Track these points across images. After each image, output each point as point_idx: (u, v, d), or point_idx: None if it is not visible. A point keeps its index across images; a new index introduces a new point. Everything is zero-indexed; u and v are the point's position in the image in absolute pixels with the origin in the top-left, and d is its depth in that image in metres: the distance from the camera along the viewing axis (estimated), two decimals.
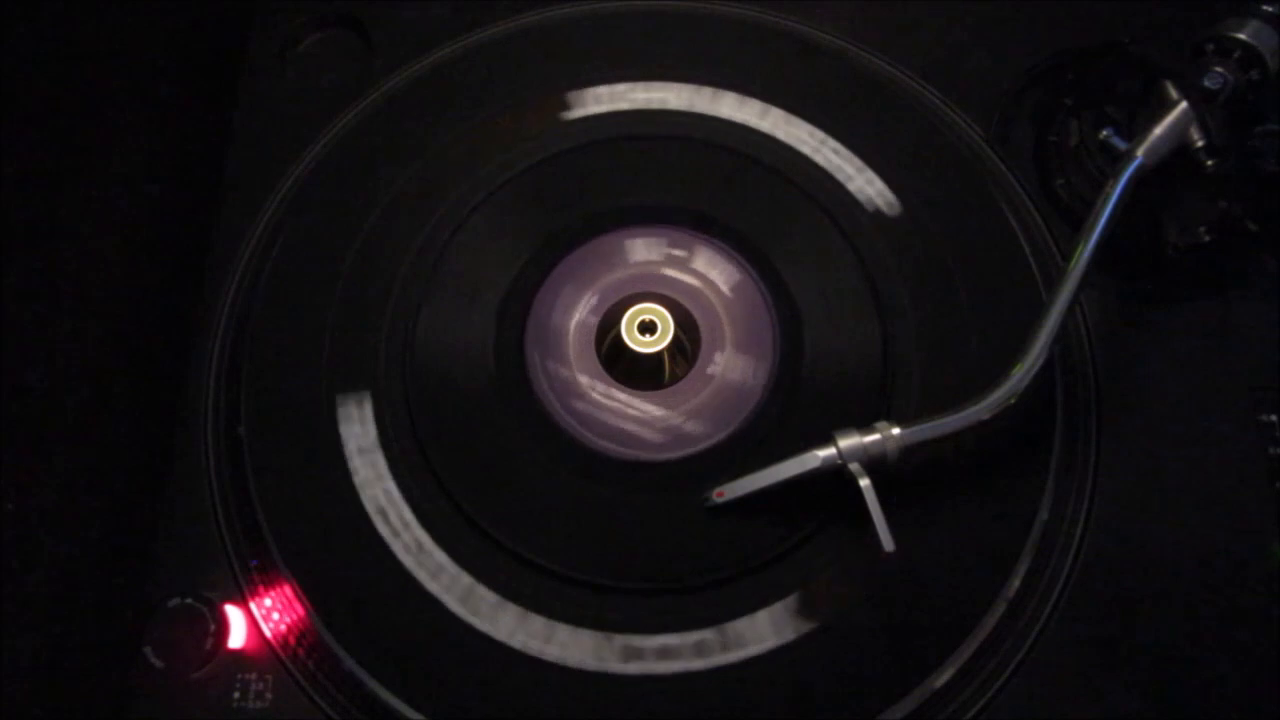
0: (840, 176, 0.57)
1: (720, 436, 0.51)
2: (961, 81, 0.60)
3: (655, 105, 0.59)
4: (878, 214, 0.56)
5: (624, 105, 0.59)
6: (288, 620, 0.49)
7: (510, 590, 0.48)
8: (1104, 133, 0.53)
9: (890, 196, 0.56)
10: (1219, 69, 0.51)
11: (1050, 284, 0.50)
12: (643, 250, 0.56)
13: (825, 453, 0.47)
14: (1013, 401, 0.46)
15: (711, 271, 0.55)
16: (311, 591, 0.48)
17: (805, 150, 0.57)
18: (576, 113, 0.59)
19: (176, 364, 0.55)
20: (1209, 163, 0.50)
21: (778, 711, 0.46)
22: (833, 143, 0.58)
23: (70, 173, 0.53)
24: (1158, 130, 0.50)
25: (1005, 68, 0.60)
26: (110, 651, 0.49)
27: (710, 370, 0.53)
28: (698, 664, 0.47)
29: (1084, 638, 0.48)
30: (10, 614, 0.47)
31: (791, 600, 0.48)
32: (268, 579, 0.50)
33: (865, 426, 0.47)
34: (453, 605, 0.48)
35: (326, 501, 0.50)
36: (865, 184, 0.56)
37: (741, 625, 0.47)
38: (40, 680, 0.47)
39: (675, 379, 0.54)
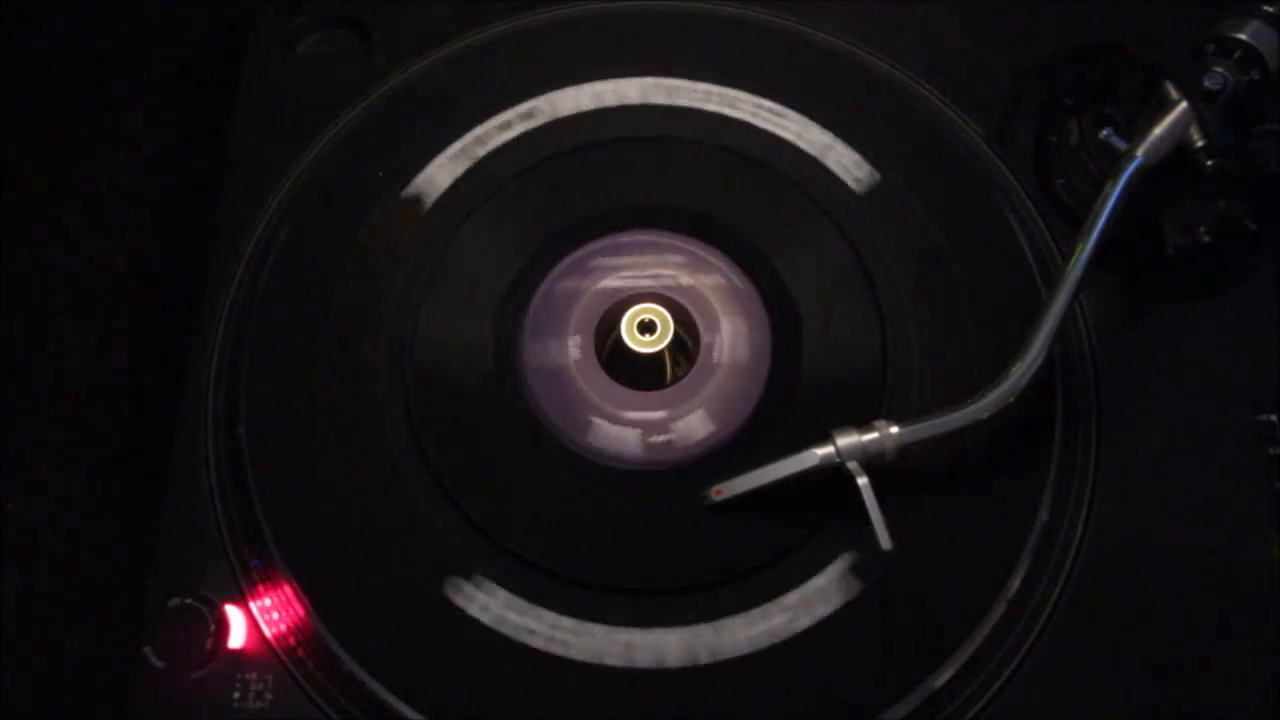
0: (840, 176, 0.57)
1: (719, 435, 0.51)
2: (961, 81, 0.60)
3: (658, 104, 0.59)
4: (878, 214, 0.56)
5: (627, 104, 0.59)
6: (288, 620, 0.49)
7: (511, 590, 0.48)
8: (1104, 133, 0.53)
9: (890, 196, 0.56)
10: (1219, 69, 0.50)
11: (1050, 284, 0.50)
12: (641, 251, 0.56)
13: (823, 451, 0.47)
14: (1012, 400, 0.46)
15: (709, 272, 0.55)
16: (311, 591, 0.48)
17: (805, 150, 0.57)
18: (577, 111, 0.59)
19: (176, 364, 0.55)
20: (1209, 163, 0.50)
21: (778, 711, 0.46)
22: (832, 142, 0.58)
23: (70, 172, 0.53)
24: (1158, 130, 0.50)
25: (1005, 68, 0.60)
26: (110, 651, 0.49)
27: (710, 369, 0.53)
28: (697, 663, 0.47)
29: (1084, 638, 0.48)
30: (11, 614, 0.47)
31: (790, 599, 0.48)
32: (268, 579, 0.50)
33: (864, 425, 0.47)
34: (453, 605, 0.48)
35: (326, 501, 0.50)
36: (865, 183, 0.56)
37: (740, 624, 0.47)
38: (40, 680, 0.47)
39: (676, 379, 0.54)
